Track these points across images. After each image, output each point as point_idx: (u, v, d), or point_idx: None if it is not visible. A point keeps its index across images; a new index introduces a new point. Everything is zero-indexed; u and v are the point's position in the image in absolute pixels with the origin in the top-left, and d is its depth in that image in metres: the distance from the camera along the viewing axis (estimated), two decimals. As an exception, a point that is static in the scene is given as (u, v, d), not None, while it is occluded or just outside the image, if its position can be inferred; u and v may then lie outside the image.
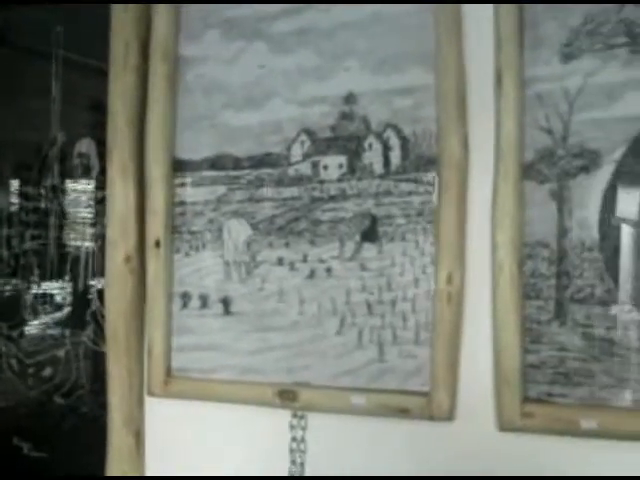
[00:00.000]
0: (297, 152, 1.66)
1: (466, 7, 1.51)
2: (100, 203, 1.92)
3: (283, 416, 1.66)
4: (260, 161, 1.69)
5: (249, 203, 1.71)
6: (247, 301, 1.70)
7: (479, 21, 1.50)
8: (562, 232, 1.44)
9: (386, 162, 1.59)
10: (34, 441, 1.98)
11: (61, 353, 1.97)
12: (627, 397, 1.37)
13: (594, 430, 1.37)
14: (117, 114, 1.77)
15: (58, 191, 2.01)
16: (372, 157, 1.60)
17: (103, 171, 1.84)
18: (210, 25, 1.74)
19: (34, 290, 2.03)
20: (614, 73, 1.41)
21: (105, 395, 1.81)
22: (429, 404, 1.51)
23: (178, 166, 1.77)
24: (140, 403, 1.81)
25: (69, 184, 2.01)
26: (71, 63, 2.00)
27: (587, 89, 1.43)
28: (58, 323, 2.00)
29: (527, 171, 1.46)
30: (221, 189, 1.73)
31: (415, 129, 1.56)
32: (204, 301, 1.74)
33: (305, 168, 1.66)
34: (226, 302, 1.72)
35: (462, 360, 1.52)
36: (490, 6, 1.48)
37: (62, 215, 2.01)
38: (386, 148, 1.59)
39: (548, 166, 1.45)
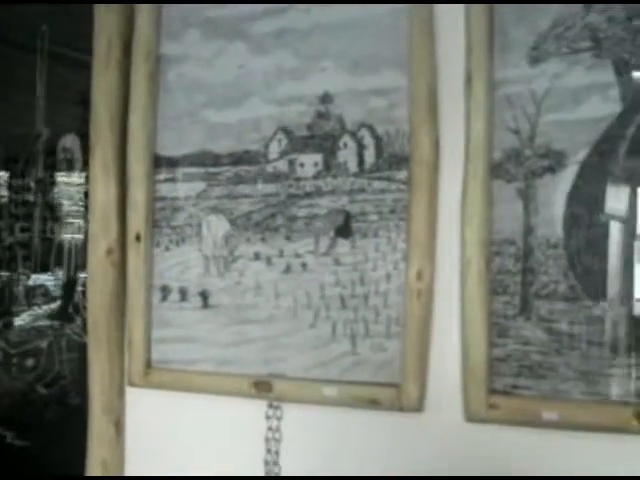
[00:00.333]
0: (274, 150, 1.71)
1: (438, 11, 1.55)
2: (84, 197, 1.96)
3: (259, 406, 1.70)
4: (239, 158, 1.74)
5: (228, 199, 1.75)
6: (225, 294, 1.74)
7: (450, 25, 1.54)
8: (528, 230, 1.49)
9: (360, 160, 1.63)
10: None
11: (44, 344, 2.00)
12: (586, 390, 1.42)
13: (555, 421, 1.42)
14: (100, 111, 1.81)
15: (43, 185, 2.05)
16: (347, 155, 1.64)
17: (87, 166, 1.87)
18: (191, 25, 1.78)
19: (21, 282, 2.07)
20: (579, 76, 1.45)
21: (87, 385, 1.84)
22: (399, 396, 1.55)
23: (159, 162, 1.80)
24: (120, 393, 1.84)
25: (54, 178, 2.05)
26: (57, 58, 2.03)
27: (553, 92, 1.47)
28: (43, 314, 2.04)
29: (495, 170, 1.51)
30: (201, 185, 1.77)
31: (388, 129, 1.60)
32: (183, 294, 1.78)
33: (282, 165, 1.70)
34: (205, 295, 1.76)
35: (431, 353, 1.56)
36: (461, 11, 1.52)
37: (49, 208, 2.05)
38: (360, 147, 1.63)
39: (515, 166, 1.50)
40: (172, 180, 1.80)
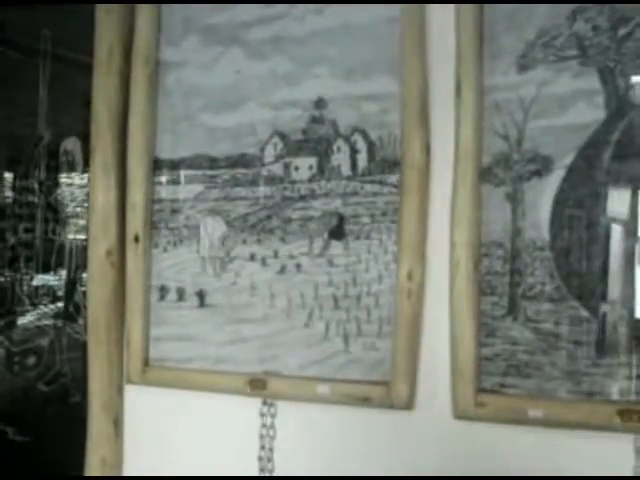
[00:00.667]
0: (270, 153, 1.75)
1: (429, 20, 1.59)
2: (85, 199, 2.00)
3: (254, 404, 1.74)
4: (235, 161, 1.78)
5: (224, 201, 1.79)
6: (221, 294, 1.78)
7: (441, 33, 1.58)
8: (516, 232, 1.53)
9: (353, 164, 1.67)
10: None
11: (45, 342, 2.04)
12: (571, 388, 1.46)
13: (540, 419, 1.46)
14: (100, 114, 1.85)
15: (46, 186, 2.09)
16: (340, 159, 1.68)
17: (87, 168, 1.91)
18: (190, 31, 1.82)
19: (24, 282, 2.10)
20: (565, 84, 1.49)
21: (86, 383, 1.88)
22: (390, 393, 1.59)
23: (158, 165, 1.85)
24: (119, 390, 1.89)
25: (56, 180, 2.09)
26: (59, 61, 2.07)
27: (541, 98, 1.51)
28: (46, 314, 2.07)
29: (484, 174, 1.55)
30: (198, 187, 1.82)
31: (381, 133, 1.64)
32: (181, 294, 1.82)
33: (277, 169, 1.74)
34: (201, 295, 1.80)
35: (421, 352, 1.60)
36: (452, 19, 1.56)
37: (51, 209, 2.08)
38: (353, 151, 1.67)
39: (504, 170, 1.54)
40: (171, 182, 1.84)
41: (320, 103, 1.69)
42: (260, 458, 1.74)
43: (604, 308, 1.44)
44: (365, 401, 1.61)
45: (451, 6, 1.56)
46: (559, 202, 1.49)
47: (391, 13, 1.61)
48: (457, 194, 1.55)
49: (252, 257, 1.75)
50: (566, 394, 1.46)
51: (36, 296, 2.09)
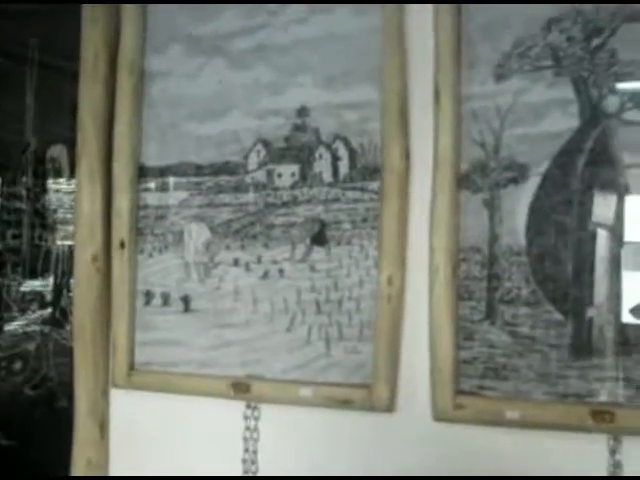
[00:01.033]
0: (253, 161, 1.78)
1: (409, 30, 1.63)
2: (71, 205, 2.02)
3: (238, 407, 1.77)
4: (219, 169, 1.81)
5: (209, 208, 1.82)
6: (205, 299, 1.81)
7: (420, 43, 1.62)
8: (493, 238, 1.56)
9: (335, 171, 1.70)
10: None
11: (32, 347, 2.06)
12: (546, 390, 1.49)
13: (517, 420, 1.49)
14: (86, 122, 1.87)
15: (33, 193, 2.11)
16: (322, 166, 1.72)
17: (73, 174, 1.94)
18: (174, 41, 1.85)
19: (12, 287, 2.12)
20: (541, 93, 1.53)
21: (72, 387, 1.90)
22: (371, 396, 1.62)
23: (143, 172, 1.88)
24: (105, 394, 1.91)
25: (43, 186, 2.11)
26: (47, 69, 2.09)
27: (517, 107, 1.55)
28: (33, 319, 2.09)
29: (462, 181, 1.58)
30: (183, 194, 1.85)
31: (362, 141, 1.68)
32: (165, 299, 1.85)
33: (260, 176, 1.77)
34: (186, 300, 1.83)
35: (401, 356, 1.63)
36: (430, 29, 1.60)
37: (38, 215, 2.10)
38: (335, 158, 1.70)
39: (481, 177, 1.57)
40: (156, 189, 1.87)
41: (302, 111, 1.72)
42: (244, 460, 1.76)
43: (590, 313, 1.48)
44: (347, 404, 1.64)
45: (430, 17, 1.59)
46: (535, 209, 1.53)
47: (372, 23, 1.64)
48: (436, 200, 1.58)
49: (236, 262, 1.78)
50: (542, 396, 1.49)
51: (23, 302, 2.11)
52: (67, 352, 1.97)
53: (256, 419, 1.76)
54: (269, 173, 1.76)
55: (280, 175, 1.75)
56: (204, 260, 1.81)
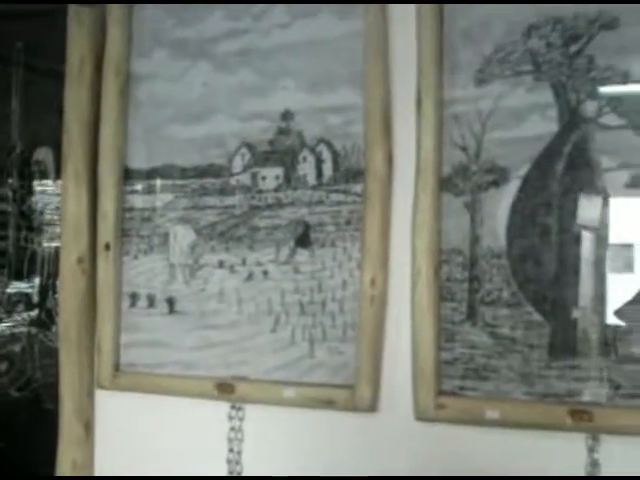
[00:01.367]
0: (238, 164, 1.80)
1: (392, 35, 1.65)
2: (57, 207, 2.03)
3: (222, 407, 1.78)
4: (204, 171, 1.82)
5: (193, 210, 1.83)
6: (190, 301, 1.83)
7: (403, 47, 1.63)
8: (474, 240, 1.58)
9: (319, 174, 1.72)
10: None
11: (18, 348, 2.07)
12: (526, 390, 1.51)
13: (497, 420, 1.51)
14: (72, 125, 1.88)
15: (19, 194, 2.12)
16: (306, 169, 1.74)
17: (59, 177, 1.95)
18: (160, 44, 1.87)
19: (-1, 289, 2.13)
20: (521, 97, 1.55)
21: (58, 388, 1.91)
22: (354, 396, 1.63)
23: (129, 174, 1.89)
24: (90, 395, 1.92)
25: (29, 188, 2.11)
26: (33, 71, 2.10)
27: (497, 111, 1.57)
28: (19, 320, 2.10)
29: (444, 184, 1.60)
30: (168, 197, 1.86)
31: (345, 144, 1.70)
32: (151, 301, 1.87)
33: (245, 179, 1.79)
34: (171, 302, 1.84)
35: (384, 356, 1.65)
36: (413, 34, 1.61)
37: (25, 217, 2.11)
38: (319, 161, 1.72)
39: (463, 180, 1.59)
40: (141, 191, 1.89)
41: (287, 115, 1.74)
42: (229, 460, 1.78)
43: (575, 314, 1.49)
44: (330, 404, 1.66)
45: (412, 22, 1.61)
46: (515, 211, 1.55)
47: (355, 28, 1.66)
48: (418, 203, 1.60)
49: (220, 264, 1.80)
50: (522, 396, 1.51)
51: (9, 303, 2.11)
52: (53, 354, 1.98)
53: (240, 419, 1.78)
54: (253, 176, 1.78)
55: (264, 178, 1.77)
56: (189, 262, 1.83)
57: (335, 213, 1.70)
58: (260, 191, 1.77)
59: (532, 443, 1.50)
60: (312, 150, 1.72)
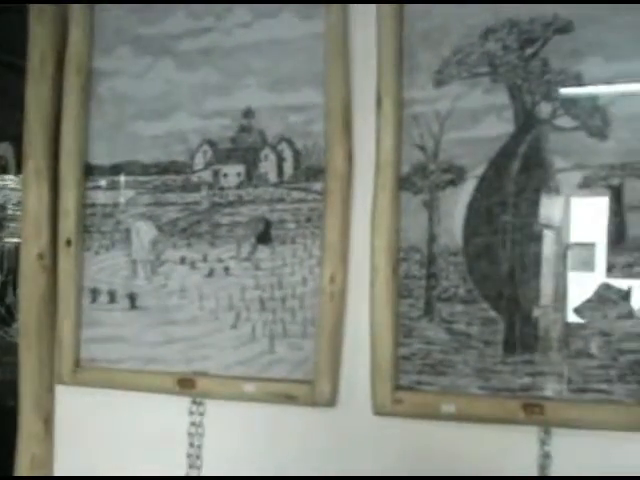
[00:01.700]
0: (200, 161, 1.81)
1: (352, 35, 1.67)
2: (18, 202, 2.03)
3: (183, 403, 1.80)
4: (166, 168, 1.83)
5: (155, 206, 1.84)
6: (152, 297, 1.84)
7: (363, 48, 1.66)
8: (432, 238, 1.61)
9: (280, 172, 1.74)
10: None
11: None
12: (481, 385, 1.55)
13: (452, 414, 1.55)
14: (33, 120, 1.88)
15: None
16: (267, 167, 1.75)
17: (20, 172, 1.94)
18: (122, 41, 1.87)
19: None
20: (478, 98, 1.59)
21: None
22: (313, 391, 1.66)
23: (90, 170, 1.89)
24: (50, 391, 1.92)
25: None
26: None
27: (455, 112, 1.60)
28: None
29: (403, 183, 1.63)
30: (130, 193, 1.87)
31: (306, 143, 1.72)
32: (112, 296, 1.87)
33: (207, 176, 1.80)
34: (132, 297, 1.85)
35: (343, 352, 1.68)
36: (373, 35, 1.64)
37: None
38: (280, 159, 1.74)
39: (421, 179, 1.62)
40: (103, 188, 1.89)
41: (248, 113, 1.76)
42: (189, 455, 1.79)
43: (536, 312, 1.53)
44: (290, 399, 1.68)
45: (373, 23, 1.64)
46: (472, 210, 1.59)
47: (316, 29, 1.69)
48: (377, 201, 1.63)
49: (182, 260, 1.81)
50: (476, 390, 1.55)
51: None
52: (14, 350, 1.97)
53: (201, 414, 1.79)
54: (215, 173, 1.79)
55: (226, 175, 1.78)
56: (151, 258, 1.83)
57: (296, 211, 1.72)
58: (222, 188, 1.79)
59: (486, 436, 1.54)
60: (273, 148, 1.74)
